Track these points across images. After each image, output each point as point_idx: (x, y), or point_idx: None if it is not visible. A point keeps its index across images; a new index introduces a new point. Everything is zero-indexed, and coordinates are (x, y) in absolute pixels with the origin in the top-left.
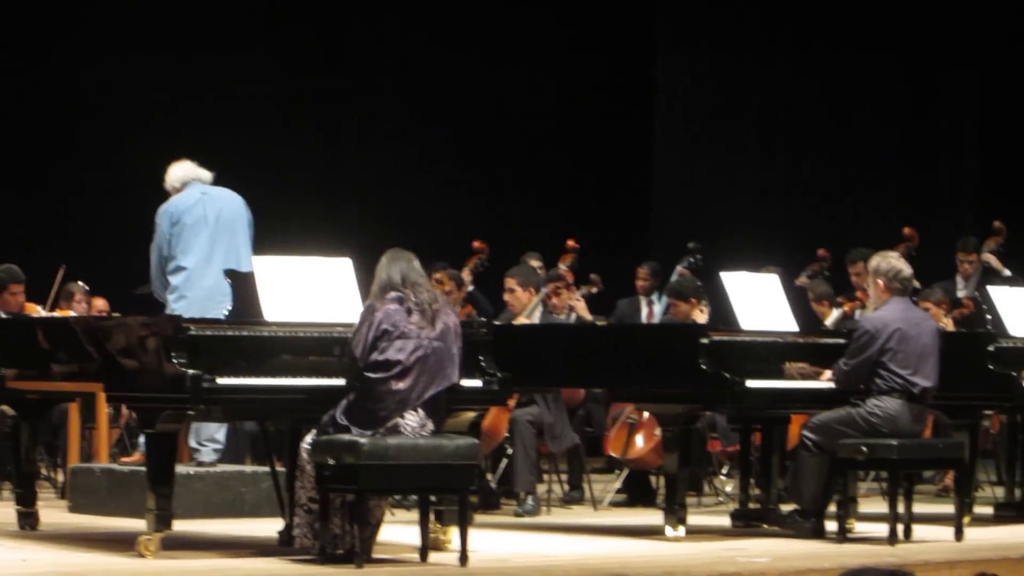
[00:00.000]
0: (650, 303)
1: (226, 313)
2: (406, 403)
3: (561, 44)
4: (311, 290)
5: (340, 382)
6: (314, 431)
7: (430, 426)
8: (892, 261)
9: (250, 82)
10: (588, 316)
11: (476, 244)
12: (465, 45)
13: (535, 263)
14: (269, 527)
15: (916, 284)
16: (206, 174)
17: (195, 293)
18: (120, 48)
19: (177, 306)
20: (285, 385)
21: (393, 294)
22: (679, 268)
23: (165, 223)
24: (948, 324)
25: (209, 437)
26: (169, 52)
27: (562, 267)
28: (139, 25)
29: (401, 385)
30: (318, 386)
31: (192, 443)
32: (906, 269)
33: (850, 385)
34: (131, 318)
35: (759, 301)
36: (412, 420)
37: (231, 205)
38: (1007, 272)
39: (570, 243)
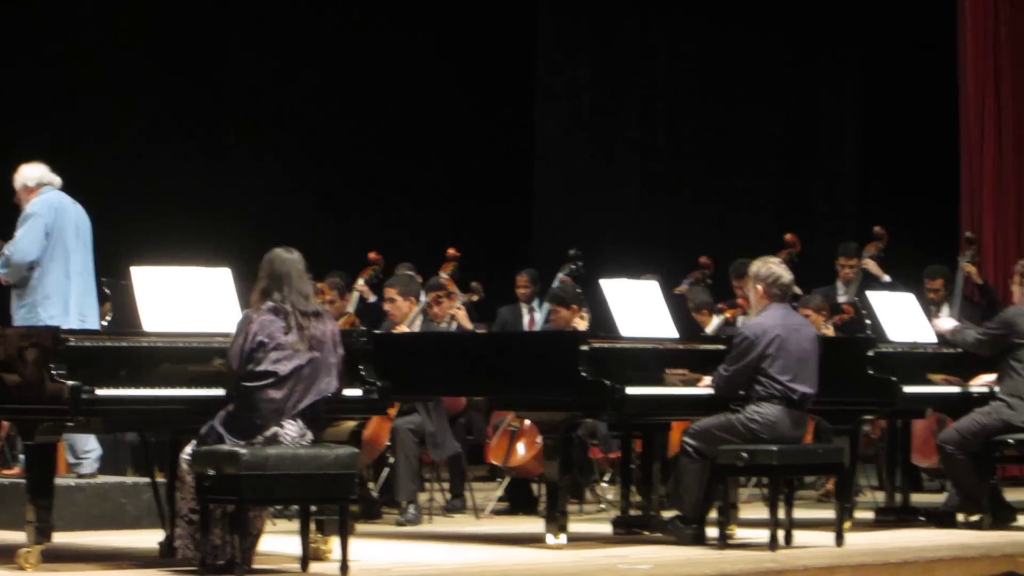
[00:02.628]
0: (531, 310)
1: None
2: (281, 412)
3: (440, 52)
4: (190, 300)
5: (220, 392)
6: (194, 442)
7: (310, 436)
8: (772, 267)
9: (128, 97)
10: (469, 324)
11: (372, 255)
12: (343, 54)
13: (408, 273)
14: (150, 538)
15: (797, 290)
16: (57, 179)
17: (57, 309)
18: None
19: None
20: (165, 396)
21: (270, 304)
22: (561, 275)
23: (47, 210)
24: (828, 330)
25: (83, 449)
26: (48, 63)
27: (443, 276)
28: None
29: (276, 395)
30: (198, 396)
31: (70, 459)
32: (786, 275)
33: (730, 391)
34: (9, 330)
35: (639, 308)
36: (292, 430)
37: (84, 216)
38: (887, 278)
39: (450, 251)
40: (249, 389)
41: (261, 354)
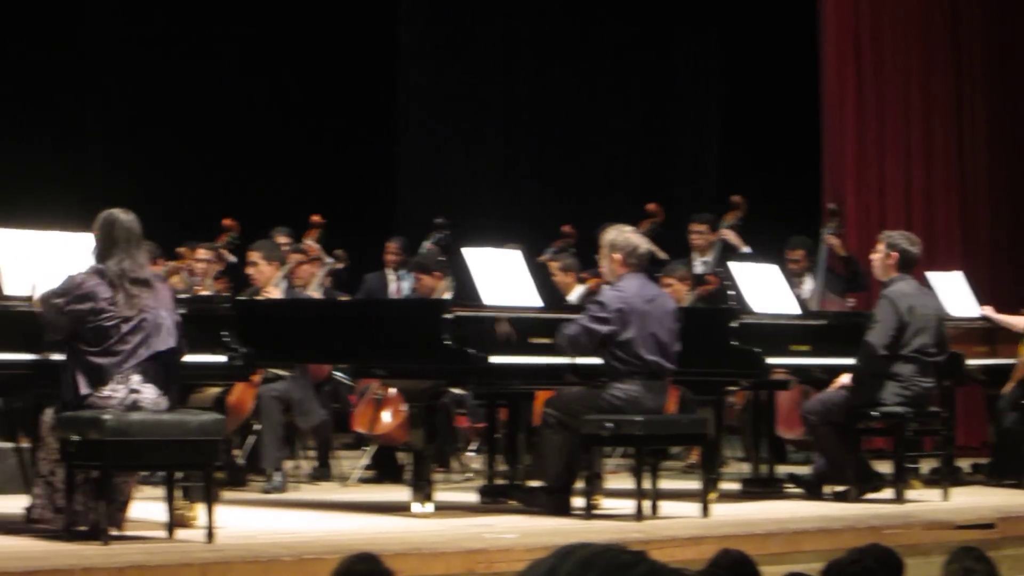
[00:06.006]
0: (399, 278)
1: None
2: (112, 371)
3: (306, 21)
4: (52, 264)
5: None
6: (55, 406)
7: (164, 402)
8: (628, 236)
9: None
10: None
11: (226, 222)
12: (209, 26)
13: (283, 239)
14: (14, 504)
15: (663, 255)
16: None
17: None
18: None
19: None
20: (25, 360)
21: (99, 266)
22: (427, 244)
23: None
24: (684, 300)
25: None
26: None
27: (307, 242)
28: None
29: (103, 358)
30: (46, 361)
31: None
32: (643, 245)
33: (574, 351)
34: None
35: (502, 277)
36: (149, 394)
37: None
38: (747, 248)
39: (315, 218)
40: (78, 350)
41: (91, 316)
